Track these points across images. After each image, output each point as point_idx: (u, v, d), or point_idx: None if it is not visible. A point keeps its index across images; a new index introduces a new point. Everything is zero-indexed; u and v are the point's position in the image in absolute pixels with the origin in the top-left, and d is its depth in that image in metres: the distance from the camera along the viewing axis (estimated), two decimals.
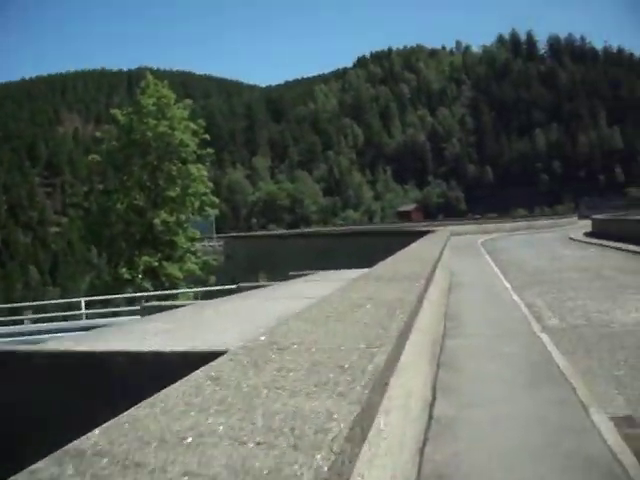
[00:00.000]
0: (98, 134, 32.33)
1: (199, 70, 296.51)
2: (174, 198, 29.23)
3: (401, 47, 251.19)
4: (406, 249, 10.62)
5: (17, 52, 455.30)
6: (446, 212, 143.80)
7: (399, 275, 5.65)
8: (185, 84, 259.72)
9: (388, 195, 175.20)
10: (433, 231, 18.33)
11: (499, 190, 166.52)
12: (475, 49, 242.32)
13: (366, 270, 7.02)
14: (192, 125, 30.15)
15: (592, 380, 6.15)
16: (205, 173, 30.29)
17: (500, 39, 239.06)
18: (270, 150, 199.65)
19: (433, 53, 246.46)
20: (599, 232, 36.93)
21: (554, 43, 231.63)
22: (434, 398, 5.25)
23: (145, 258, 27.50)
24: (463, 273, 16.83)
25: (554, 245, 31.43)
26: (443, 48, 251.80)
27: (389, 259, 7.91)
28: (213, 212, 31.33)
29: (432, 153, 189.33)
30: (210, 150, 31.98)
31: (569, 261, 21.13)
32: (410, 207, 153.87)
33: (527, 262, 21.50)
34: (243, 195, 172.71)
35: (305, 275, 11.31)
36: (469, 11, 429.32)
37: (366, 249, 20.73)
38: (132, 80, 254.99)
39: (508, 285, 14.14)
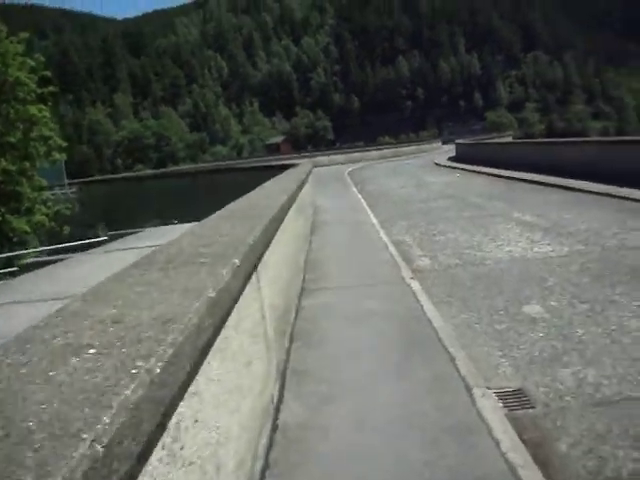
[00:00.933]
0: None
1: (50, 3, 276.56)
2: (15, 144, 26.23)
3: None
4: (258, 189, 9.33)
5: None
6: (314, 142, 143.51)
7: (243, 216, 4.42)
8: (35, 19, 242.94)
9: (256, 128, 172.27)
10: (296, 164, 17.11)
11: (365, 118, 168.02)
12: None
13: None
14: (29, 61, 26.84)
15: (472, 342, 5.16)
16: (47, 114, 27.22)
17: None
18: (131, 86, 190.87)
19: None
20: (462, 156, 37.16)
21: None
22: (281, 397, 4.06)
23: None
24: (328, 209, 15.82)
25: (420, 172, 31.10)
26: None
27: (233, 203, 6.62)
28: (61, 157, 28.43)
29: (298, 83, 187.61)
30: (52, 88, 28.81)
31: (436, 188, 20.55)
32: (279, 139, 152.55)
33: (394, 192, 20.75)
34: (105, 135, 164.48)
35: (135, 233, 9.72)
36: None
37: (227, 187, 19.24)
38: None
39: (375, 220, 13.16)
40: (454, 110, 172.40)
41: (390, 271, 7.91)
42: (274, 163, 24.38)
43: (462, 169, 28.83)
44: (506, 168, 24.34)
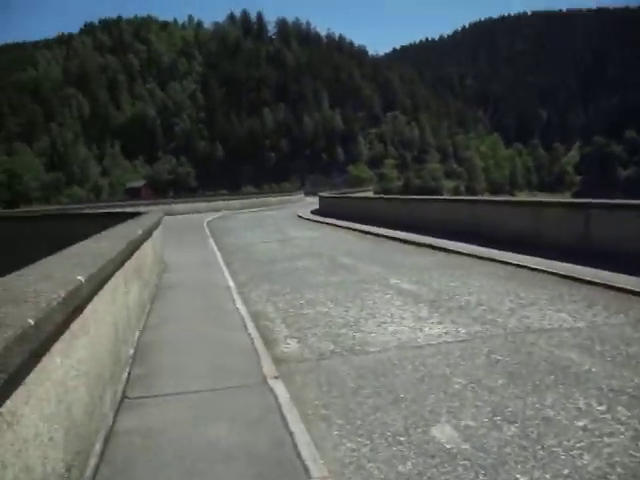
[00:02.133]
0: None
1: None
2: None
3: (132, 17, 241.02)
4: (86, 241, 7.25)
5: None
6: (177, 189, 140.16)
7: None
8: None
9: (116, 171, 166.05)
10: (144, 213, 14.91)
11: (230, 167, 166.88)
12: (207, 25, 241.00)
13: None
14: None
15: None
16: None
17: (232, 17, 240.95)
18: None
19: (165, 25, 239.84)
20: (326, 210, 36.19)
21: (282, 26, 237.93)
22: None
23: None
24: (179, 267, 13.68)
25: (283, 224, 29.54)
26: (175, 21, 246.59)
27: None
28: None
29: (162, 128, 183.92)
30: None
31: (301, 244, 18.92)
32: (140, 183, 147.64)
33: (255, 247, 18.88)
34: None
35: None
36: None
37: (59, 238, 16.69)
38: None
39: (232, 283, 11.19)
40: (317, 163, 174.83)
41: (247, 363, 5.94)
42: (120, 210, 21.88)
43: (328, 223, 27.60)
44: (371, 224, 23.44)
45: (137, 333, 6.98)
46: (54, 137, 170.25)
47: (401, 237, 18.24)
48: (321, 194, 43.32)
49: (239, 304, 9.19)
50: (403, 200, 27.57)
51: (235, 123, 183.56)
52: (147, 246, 9.53)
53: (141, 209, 41.82)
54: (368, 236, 20.57)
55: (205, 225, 31.01)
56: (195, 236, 24.02)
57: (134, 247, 7.37)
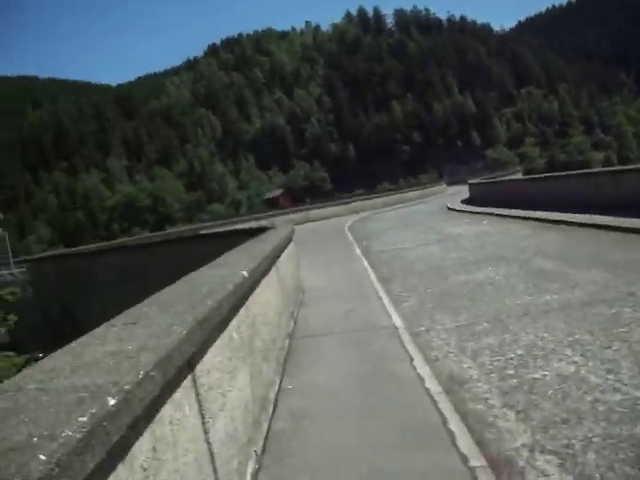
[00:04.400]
0: None
1: (44, 74, 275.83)
2: None
3: (251, 32, 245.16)
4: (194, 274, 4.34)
5: None
6: (312, 194, 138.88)
7: None
8: (29, 90, 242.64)
9: (253, 183, 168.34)
10: (269, 228, 11.92)
11: (363, 166, 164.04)
12: (325, 28, 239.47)
13: None
14: None
15: None
16: None
17: (348, 16, 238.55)
18: (125, 150, 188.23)
19: (283, 35, 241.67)
20: (478, 198, 32.13)
21: (400, 16, 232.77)
22: None
23: None
24: (320, 294, 10.38)
25: (435, 220, 25.68)
26: (293, 29, 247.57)
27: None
28: None
29: (293, 135, 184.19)
30: None
31: (467, 244, 15.18)
32: (276, 193, 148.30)
33: (411, 253, 15.29)
34: (100, 200, 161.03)
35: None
36: None
37: (183, 264, 14.24)
38: None
39: (397, 319, 7.79)
40: (452, 151, 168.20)
41: None
42: (245, 227, 19.18)
43: (486, 213, 23.60)
44: (535, 208, 19.45)
45: (250, 466, 3.74)
46: (191, 158, 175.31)
47: (597, 222, 14.11)
48: (471, 181, 39.04)
49: (418, 362, 5.76)
50: (567, 176, 23.33)
51: (364, 121, 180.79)
52: (270, 280, 6.38)
53: (278, 219, 39.78)
54: (546, 224, 16.55)
55: (346, 230, 27.82)
56: (337, 244, 20.84)
57: (245, 292, 4.31)
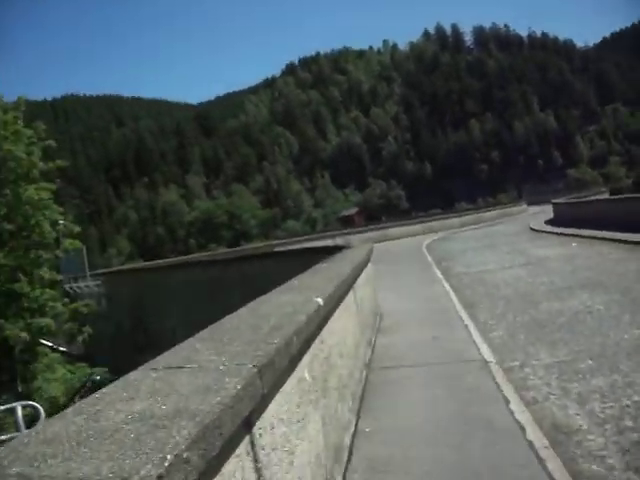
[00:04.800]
0: None
1: (127, 93, 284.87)
2: (12, 232, 21.44)
3: (329, 51, 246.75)
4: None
5: None
6: (388, 212, 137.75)
7: None
8: (113, 109, 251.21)
9: (329, 201, 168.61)
10: (346, 247, 11.30)
11: (440, 185, 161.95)
12: (402, 46, 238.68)
13: None
14: (25, 130, 22.03)
15: None
16: (49, 195, 22.27)
17: (426, 34, 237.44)
18: (203, 167, 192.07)
19: (361, 54, 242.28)
20: (562, 219, 30.67)
21: (479, 33, 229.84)
22: None
23: None
24: (398, 319, 9.67)
25: (518, 241, 24.48)
26: (370, 48, 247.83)
27: None
28: (73, 244, 23.41)
29: (369, 154, 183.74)
30: (60, 162, 24.08)
31: (557, 267, 14.17)
32: (352, 211, 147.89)
33: (495, 276, 14.35)
34: (178, 216, 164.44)
35: None
36: (393, 10, 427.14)
37: (255, 282, 13.86)
38: (57, 109, 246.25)
39: (487, 351, 7.01)
40: (532, 170, 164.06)
41: None
42: (321, 245, 18.67)
43: (574, 235, 22.33)
44: (625, 229, 18.31)
45: None
46: (267, 175, 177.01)
47: None
48: (555, 201, 37.47)
49: (515, 406, 5.01)
50: None
51: (441, 139, 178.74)
52: (348, 306, 5.77)
53: (353, 237, 39.17)
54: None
55: (424, 249, 26.93)
56: (415, 265, 20.04)
57: (320, 322, 3.72)
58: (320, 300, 3.78)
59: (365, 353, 6.77)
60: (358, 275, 7.32)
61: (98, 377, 20.45)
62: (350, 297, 6.17)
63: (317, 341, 3.74)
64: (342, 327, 5.16)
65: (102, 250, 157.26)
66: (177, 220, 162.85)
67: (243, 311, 3.51)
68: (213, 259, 24.39)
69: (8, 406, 6.31)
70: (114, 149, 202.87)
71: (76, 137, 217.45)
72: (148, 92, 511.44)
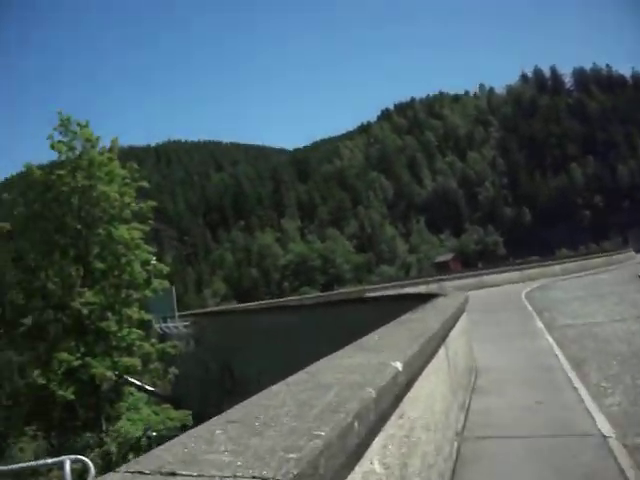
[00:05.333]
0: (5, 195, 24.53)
1: (226, 139, 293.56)
2: (104, 271, 21.59)
3: (424, 96, 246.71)
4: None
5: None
6: (485, 259, 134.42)
7: None
8: (213, 154, 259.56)
9: (423, 246, 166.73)
10: (441, 295, 10.36)
11: (539, 231, 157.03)
12: (499, 90, 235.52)
13: None
14: (119, 171, 22.31)
15: None
16: (140, 235, 22.38)
17: (524, 77, 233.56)
18: (298, 211, 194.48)
19: (457, 98, 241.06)
20: None
21: (579, 74, 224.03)
22: None
23: (63, 355, 19.78)
24: (496, 380, 8.55)
25: (629, 291, 22.60)
26: (466, 93, 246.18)
27: None
28: (162, 284, 23.35)
29: (465, 199, 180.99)
30: (152, 202, 24.20)
31: None
32: (447, 257, 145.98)
33: (606, 330, 12.95)
34: (273, 259, 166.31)
35: None
36: (489, 53, 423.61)
37: (342, 329, 13.13)
38: (160, 154, 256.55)
39: (600, 418, 5.91)
40: (638, 215, 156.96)
41: None
42: (413, 291, 17.75)
43: None
44: None
45: None
46: (362, 220, 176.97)
47: None
48: None
49: None
50: None
51: (540, 184, 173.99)
52: (438, 365, 4.91)
53: (448, 283, 37.88)
54: None
55: (524, 298, 25.40)
56: (514, 315, 18.71)
57: (399, 392, 2.92)
58: (399, 365, 2.97)
59: (457, 419, 5.81)
60: (452, 327, 6.43)
61: (154, 433, 20.11)
62: (441, 354, 5.29)
63: (394, 417, 2.92)
64: (429, 392, 4.29)
65: (198, 291, 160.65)
66: (272, 263, 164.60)
67: (297, 380, 2.74)
68: (301, 304, 23.83)
69: (56, 460, 5.77)
70: (213, 193, 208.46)
71: (177, 181, 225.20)
72: (246, 138, 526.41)
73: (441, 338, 5.31)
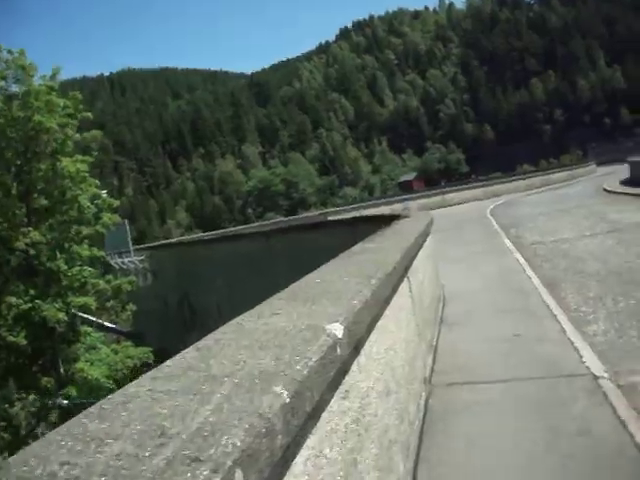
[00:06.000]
0: None
1: (182, 65, 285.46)
2: (49, 208, 20.28)
3: (383, 13, 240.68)
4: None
5: None
6: (448, 177, 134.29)
7: None
8: (169, 81, 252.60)
9: (386, 167, 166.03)
10: (403, 216, 9.46)
11: (501, 147, 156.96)
12: (459, 5, 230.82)
13: None
14: (58, 100, 20.69)
15: None
16: (86, 168, 20.95)
17: None
18: (259, 136, 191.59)
19: (416, 15, 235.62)
20: None
21: None
22: None
23: (11, 299, 18.65)
24: (466, 306, 7.80)
25: (596, 204, 22.00)
26: (426, 8, 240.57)
27: None
28: (113, 219, 22.09)
29: (427, 117, 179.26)
30: (96, 132, 22.70)
31: None
32: (410, 176, 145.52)
33: (576, 246, 12.28)
34: (236, 185, 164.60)
35: None
36: None
37: (302, 256, 12.32)
38: (114, 84, 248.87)
39: (587, 351, 5.16)
40: (598, 129, 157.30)
41: None
42: (376, 213, 16.99)
43: None
44: None
45: None
46: (324, 142, 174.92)
47: None
48: (632, 159, 34.24)
49: None
50: None
51: (502, 100, 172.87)
52: (399, 304, 4.03)
53: (412, 203, 37.16)
54: None
55: (489, 215, 24.79)
56: (481, 233, 18.02)
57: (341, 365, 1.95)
58: (338, 329, 2.04)
59: (425, 364, 4.97)
60: (415, 255, 5.54)
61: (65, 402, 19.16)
62: (403, 290, 4.40)
63: (333, 404, 2.01)
64: (389, 345, 3.40)
65: (162, 222, 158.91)
66: (234, 190, 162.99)
67: (176, 363, 1.79)
68: (259, 230, 22.90)
69: None
70: (171, 121, 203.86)
71: (133, 111, 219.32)
72: (202, 63, 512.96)
73: (403, 270, 4.41)
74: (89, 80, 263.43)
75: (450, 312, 7.55)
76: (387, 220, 9.35)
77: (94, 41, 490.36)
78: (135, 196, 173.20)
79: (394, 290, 3.82)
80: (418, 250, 5.82)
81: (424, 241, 6.77)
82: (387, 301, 3.48)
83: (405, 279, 4.56)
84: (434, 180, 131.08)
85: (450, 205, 36.70)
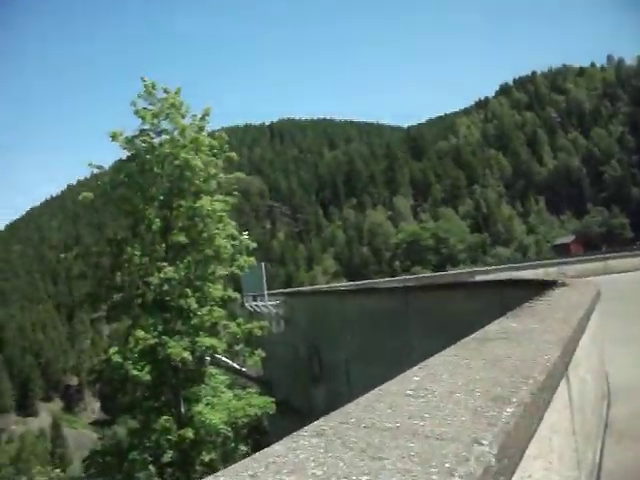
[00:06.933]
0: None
1: (340, 116, 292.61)
2: (186, 245, 20.11)
3: (546, 70, 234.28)
4: None
5: None
6: (609, 242, 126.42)
7: None
8: (326, 131, 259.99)
9: (542, 227, 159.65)
10: (560, 283, 7.80)
11: None
12: (629, 61, 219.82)
13: None
14: (204, 139, 20.64)
15: None
16: (227, 207, 20.71)
17: None
18: (412, 189, 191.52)
19: (581, 72, 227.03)
20: None
21: None
22: None
23: (140, 333, 18.44)
24: (633, 409, 6.03)
25: None
26: (592, 65, 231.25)
27: None
28: (248, 262, 21.62)
29: (589, 178, 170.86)
30: (240, 174, 22.53)
31: None
32: (568, 239, 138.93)
33: None
34: (385, 237, 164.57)
35: None
36: (619, 21, 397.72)
37: (441, 317, 10.93)
38: (274, 132, 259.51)
39: None
40: None
41: None
42: (528, 275, 15.18)
43: None
44: None
45: None
46: (477, 199, 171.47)
47: None
48: None
49: None
50: None
51: None
52: (556, 408, 2.58)
53: (568, 267, 34.38)
54: None
55: None
56: None
57: None
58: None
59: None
60: (578, 342, 4.01)
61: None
62: (558, 400, 2.94)
63: None
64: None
65: (309, 268, 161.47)
66: (383, 241, 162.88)
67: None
68: (397, 285, 21.55)
69: None
70: (326, 171, 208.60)
71: (291, 159, 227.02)
72: (359, 115, 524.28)
73: (561, 372, 2.96)
74: (252, 128, 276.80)
75: (619, 414, 5.76)
76: (540, 287, 7.78)
77: (258, 90, 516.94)
78: (286, 241, 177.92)
79: (543, 409, 2.40)
80: (581, 336, 4.28)
81: (588, 322, 5.16)
82: (530, 433, 2.07)
83: (562, 382, 3.09)
84: (594, 245, 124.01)
85: (613, 273, 33.57)
